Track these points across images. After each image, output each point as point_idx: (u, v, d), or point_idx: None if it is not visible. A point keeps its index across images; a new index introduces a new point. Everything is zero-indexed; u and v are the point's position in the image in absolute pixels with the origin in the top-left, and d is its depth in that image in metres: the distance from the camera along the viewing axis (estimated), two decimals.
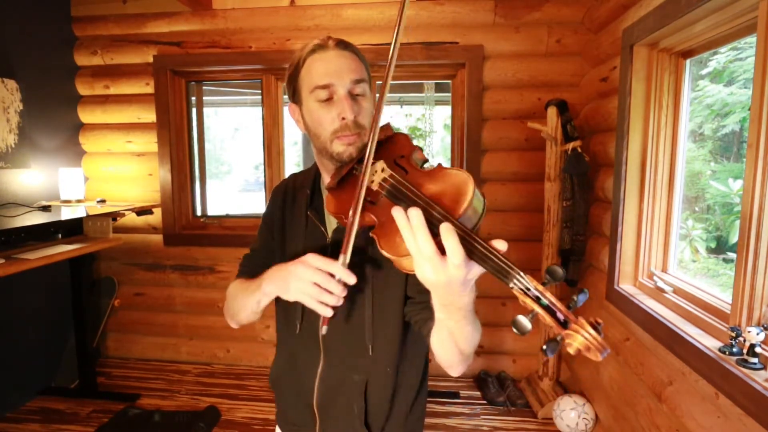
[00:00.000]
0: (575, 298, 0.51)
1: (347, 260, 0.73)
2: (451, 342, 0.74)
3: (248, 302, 0.88)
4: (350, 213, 0.72)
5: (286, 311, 1.00)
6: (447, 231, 0.56)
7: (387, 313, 0.90)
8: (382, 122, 0.78)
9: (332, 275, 0.73)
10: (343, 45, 0.85)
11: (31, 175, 2.46)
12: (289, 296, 0.77)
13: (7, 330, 2.32)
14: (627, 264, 1.91)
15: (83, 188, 2.62)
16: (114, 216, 2.42)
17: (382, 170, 0.72)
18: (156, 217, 2.78)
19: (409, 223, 0.58)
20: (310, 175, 1.01)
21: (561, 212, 2.23)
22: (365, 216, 0.72)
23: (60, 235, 2.23)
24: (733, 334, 1.24)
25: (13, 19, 2.34)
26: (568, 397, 2.15)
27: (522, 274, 0.53)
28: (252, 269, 0.98)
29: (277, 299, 0.98)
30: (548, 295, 0.52)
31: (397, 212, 0.60)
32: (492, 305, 2.59)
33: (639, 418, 1.71)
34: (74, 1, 2.68)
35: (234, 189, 8.61)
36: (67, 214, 2.23)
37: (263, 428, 2.24)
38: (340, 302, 0.74)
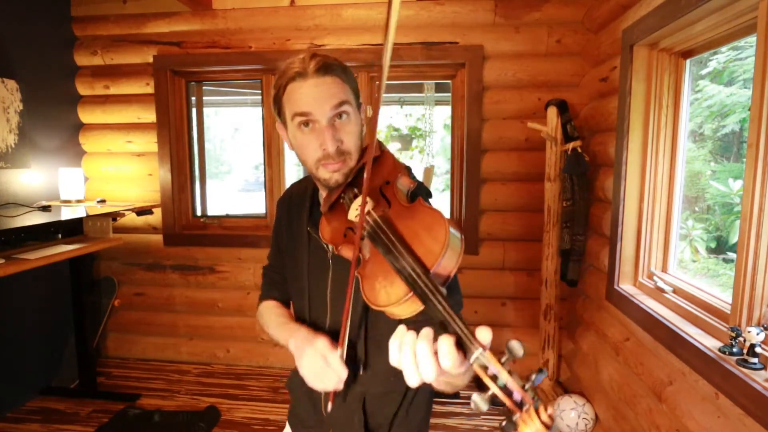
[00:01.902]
0: (533, 377, 0.49)
1: (344, 352, 0.81)
2: (448, 386, 0.71)
3: (279, 339, 0.98)
4: (346, 303, 0.76)
5: (297, 318, 1.01)
6: (445, 338, 0.52)
7: (382, 328, 0.89)
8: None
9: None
10: (323, 70, 0.81)
11: (31, 175, 2.46)
12: (300, 369, 0.85)
13: (8, 330, 2.32)
14: (627, 264, 1.91)
15: (83, 188, 2.62)
16: (114, 216, 2.42)
17: (364, 204, 0.71)
18: (156, 217, 2.78)
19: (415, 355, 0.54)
20: (308, 187, 1.00)
21: (561, 212, 2.23)
22: (353, 250, 0.71)
23: (60, 235, 2.23)
24: (733, 334, 1.24)
25: (13, 19, 2.34)
26: (568, 397, 2.15)
27: (483, 350, 0.50)
28: (272, 284, 1.10)
29: (294, 310, 1.04)
30: (504, 374, 0.49)
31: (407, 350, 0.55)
32: (492, 305, 2.59)
33: (639, 418, 1.71)
34: (74, 1, 2.69)
35: (234, 189, 8.61)
36: (67, 214, 2.23)
37: (263, 428, 2.24)
38: (338, 386, 0.81)
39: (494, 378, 0.50)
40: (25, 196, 2.43)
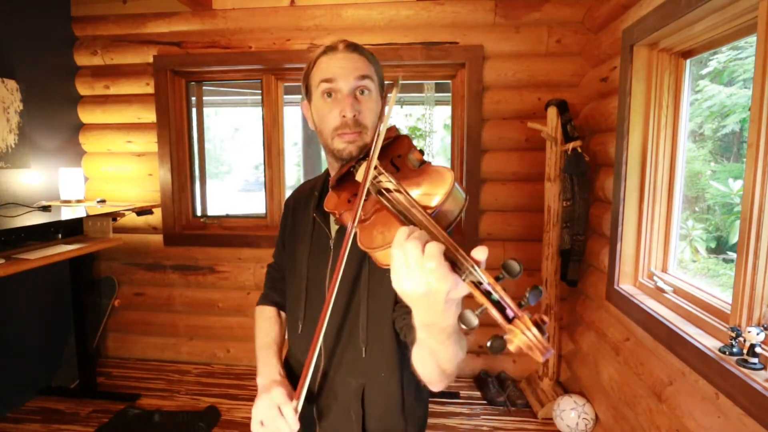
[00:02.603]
0: (527, 295, 0.48)
1: (299, 406, 0.81)
2: (433, 361, 0.69)
3: (257, 360, 1.03)
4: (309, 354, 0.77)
5: (291, 312, 1.01)
6: (434, 245, 0.52)
7: (381, 316, 0.89)
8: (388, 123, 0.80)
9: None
10: (352, 47, 0.89)
11: (31, 175, 2.46)
12: (253, 411, 0.90)
13: (8, 330, 2.32)
14: (627, 264, 1.91)
15: (83, 188, 2.62)
16: (114, 216, 2.42)
17: (375, 168, 0.72)
18: (156, 217, 2.78)
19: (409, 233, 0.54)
20: (320, 180, 1.04)
21: (561, 212, 2.23)
22: (354, 210, 0.71)
23: (60, 235, 2.23)
24: (733, 334, 1.24)
25: (13, 19, 2.34)
26: (568, 397, 2.15)
27: (476, 267, 0.51)
28: (272, 284, 1.15)
29: (287, 300, 1.04)
30: (499, 289, 0.49)
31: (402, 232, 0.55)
32: None
33: (639, 418, 1.71)
34: (74, 1, 2.69)
35: (234, 189, 8.61)
36: (67, 214, 2.23)
37: None
38: None
39: (488, 294, 0.49)
40: (25, 196, 2.43)
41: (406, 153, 0.79)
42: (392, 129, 0.86)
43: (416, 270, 0.52)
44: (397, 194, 0.64)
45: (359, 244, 0.65)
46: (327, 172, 1.02)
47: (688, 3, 1.39)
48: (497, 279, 0.50)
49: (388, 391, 0.93)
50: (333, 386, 0.93)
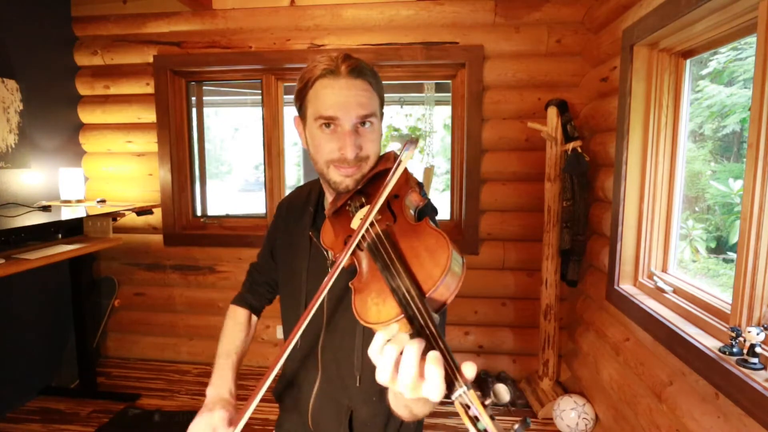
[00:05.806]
0: (515, 427, 0.46)
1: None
2: (406, 411, 0.70)
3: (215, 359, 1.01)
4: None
5: (286, 325, 1.00)
6: (435, 360, 0.48)
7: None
8: (387, 149, 0.78)
9: None
10: (356, 73, 0.79)
11: (31, 175, 2.46)
12: (190, 429, 0.85)
13: (7, 330, 2.32)
14: (627, 264, 1.91)
15: (83, 188, 2.62)
16: (114, 216, 2.42)
17: (372, 222, 0.69)
18: (156, 217, 2.78)
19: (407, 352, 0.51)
20: (315, 191, 0.99)
21: (561, 212, 2.23)
22: (345, 257, 0.69)
23: (60, 235, 2.23)
24: (734, 334, 1.24)
25: (13, 19, 2.34)
26: (568, 397, 2.15)
27: (467, 389, 0.48)
28: (251, 287, 1.12)
29: (282, 315, 1.02)
30: (487, 419, 0.47)
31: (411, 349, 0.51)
32: (492, 305, 2.59)
33: (639, 418, 1.71)
34: (74, 1, 2.68)
35: (234, 189, 8.62)
36: (67, 214, 2.23)
37: (263, 428, 2.24)
38: None
39: (475, 420, 0.47)
40: (25, 196, 2.43)
41: (405, 194, 0.75)
42: (389, 157, 0.82)
43: (409, 377, 0.50)
44: (388, 262, 0.62)
45: (354, 311, 0.62)
46: (320, 186, 0.98)
47: (688, 3, 1.39)
48: (484, 405, 0.47)
49: (378, 413, 0.92)
50: (329, 403, 0.93)
